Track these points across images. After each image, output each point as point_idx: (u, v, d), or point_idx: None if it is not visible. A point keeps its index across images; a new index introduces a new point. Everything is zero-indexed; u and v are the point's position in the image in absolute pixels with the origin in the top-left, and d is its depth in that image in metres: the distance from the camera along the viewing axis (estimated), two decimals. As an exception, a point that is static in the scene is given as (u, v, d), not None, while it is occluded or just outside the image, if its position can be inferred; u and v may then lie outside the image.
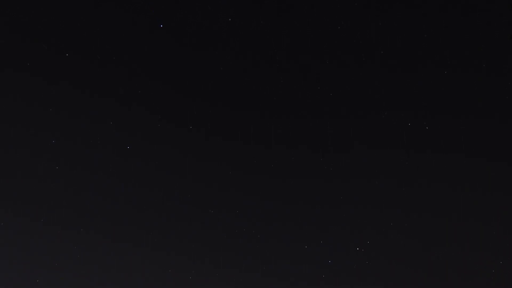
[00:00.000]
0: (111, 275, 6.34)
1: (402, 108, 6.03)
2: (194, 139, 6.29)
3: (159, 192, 6.34)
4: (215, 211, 6.30)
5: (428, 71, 5.94)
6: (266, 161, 6.27)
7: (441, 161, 6.02)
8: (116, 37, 6.15)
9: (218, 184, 6.32)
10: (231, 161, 6.30)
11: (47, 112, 6.23)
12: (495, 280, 5.93)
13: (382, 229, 6.13)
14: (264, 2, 6.08)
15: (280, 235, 6.28)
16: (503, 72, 5.80)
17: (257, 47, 6.13)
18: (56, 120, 6.25)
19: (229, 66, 6.20)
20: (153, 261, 6.35)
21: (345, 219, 6.19)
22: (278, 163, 6.26)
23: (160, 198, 6.34)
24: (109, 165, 6.29)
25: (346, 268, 6.19)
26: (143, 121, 6.27)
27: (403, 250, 6.10)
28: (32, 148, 6.25)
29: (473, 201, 5.97)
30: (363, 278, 6.15)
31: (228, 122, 6.25)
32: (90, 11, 6.10)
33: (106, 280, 6.34)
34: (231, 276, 6.30)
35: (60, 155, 6.28)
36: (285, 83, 6.18)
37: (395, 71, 6.02)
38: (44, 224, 6.31)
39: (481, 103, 5.88)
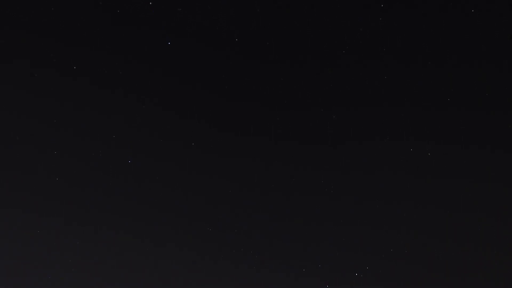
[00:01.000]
0: (111, 276, 6.35)
1: (402, 108, 6.04)
2: (194, 138, 6.30)
3: (159, 191, 6.34)
4: (214, 211, 6.32)
5: (427, 71, 5.95)
6: (266, 161, 6.28)
7: (441, 162, 6.03)
8: (116, 37, 6.16)
9: (218, 185, 6.33)
10: (231, 160, 6.30)
11: (47, 111, 6.25)
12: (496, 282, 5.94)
13: (384, 229, 6.15)
14: (264, 2, 6.09)
15: (280, 234, 6.30)
16: (503, 72, 5.81)
17: (256, 44, 6.14)
18: (56, 120, 6.27)
19: (229, 65, 6.21)
20: (153, 261, 6.36)
21: (345, 220, 6.21)
22: (278, 163, 6.27)
23: (159, 197, 6.34)
24: (109, 164, 6.30)
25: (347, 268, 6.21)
26: (143, 121, 6.27)
27: (403, 252, 6.11)
28: (31, 146, 6.27)
29: (474, 200, 5.99)
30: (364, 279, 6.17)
31: (228, 120, 6.26)
32: (89, 11, 6.11)
33: (106, 281, 6.34)
34: (230, 276, 6.31)
35: (60, 154, 6.29)
36: (284, 81, 6.19)
37: (394, 71, 6.02)
38: (43, 224, 6.33)
39: (481, 103, 5.89)
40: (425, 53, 5.92)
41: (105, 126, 6.23)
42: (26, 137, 6.22)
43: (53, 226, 6.31)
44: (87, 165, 6.27)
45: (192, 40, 6.18)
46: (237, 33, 6.11)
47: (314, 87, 6.14)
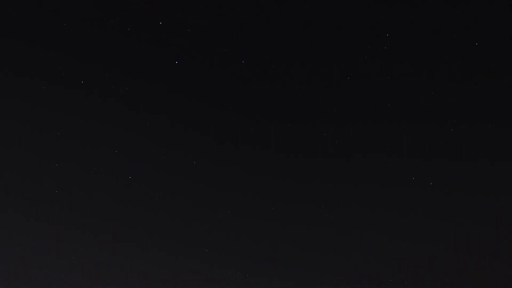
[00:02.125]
0: (110, 276, 6.36)
1: (402, 110, 6.04)
2: (197, 142, 6.31)
3: (159, 193, 6.35)
4: (214, 213, 6.32)
5: (427, 71, 5.94)
6: (267, 165, 6.29)
7: (442, 165, 6.03)
8: (125, 54, 6.19)
9: (219, 187, 6.34)
10: (232, 164, 6.31)
11: (48, 112, 6.27)
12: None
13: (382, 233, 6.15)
14: (264, 6, 6.09)
15: (280, 235, 6.30)
16: (503, 73, 5.80)
17: (262, 68, 6.17)
18: (56, 121, 6.28)
19: (235, 86, 6.23)
20: (153, 262, 6.36)
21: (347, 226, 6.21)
22: (279, 167, 6.27)
23: (159, 199, 6.35)
24: (109, 166, 6.31)
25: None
26: (143, 124, 6.28)
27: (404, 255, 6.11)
28: (32, 147, 6.29)
29: (475, 203, 5.98)
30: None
31: (231, 125, 6.27)
32: (100, 28, 6.13)
33: (104, 281, 6.36)
34: (229, 277, 6.31)
35: (60, 156, 6.31)
36: (287, 86, 6.19)
37: (394, 73, 6.02)
38: (43, 225, 6.35)
39: (481, 104, 5.88)
40: (424, 54, 5.92)
41: (107, 141, 6.27)
42: (29, 148, 6.28)
43: (54, 233, 6.36)
44: (88, 178, 6.32)
45: (200, 61, 6.19)
46: (244, 55, 6.15)
47: (319, 107, 6.15)
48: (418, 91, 5.95)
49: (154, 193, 6.32)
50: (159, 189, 6.33)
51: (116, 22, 6.12)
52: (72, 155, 6.29)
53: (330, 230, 6.19)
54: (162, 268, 6.34)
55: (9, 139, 6.25)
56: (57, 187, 6.31)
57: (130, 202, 6.33)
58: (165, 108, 6.25)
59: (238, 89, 6.23)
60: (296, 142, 6.20)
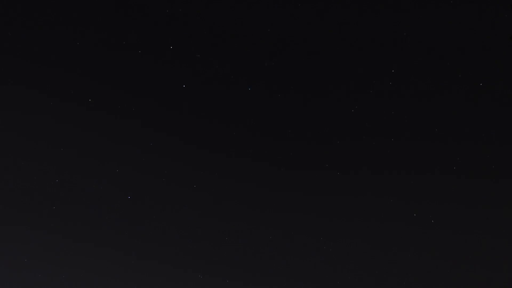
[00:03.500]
0: (109, 279, 6.37)
1: (402, 113, 6.02)
2: (199, 147, 6.32)
3: (159, 195, 6.37)
4: (214, 218, 6.34)
5: (427, 71, 5.94)
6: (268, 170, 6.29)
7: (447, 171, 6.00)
8: (135, 76, 6.24)
9: (218, 194, 6.35)
10: (233, 170, 6.33)
11: (50, 118, 6.32)
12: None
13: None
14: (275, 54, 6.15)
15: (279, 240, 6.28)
16: (503, 73, 5.77)
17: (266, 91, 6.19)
18: (56, 127, 6.33)
19: (240, 108, 6.27)
20: (152, 264, 6.36)
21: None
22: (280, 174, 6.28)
23: (159, 201, 6.36)
24: (108, 170, 6.34)
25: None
26: (143, 129, 6.32)
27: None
28: (32, 153, 6.34)
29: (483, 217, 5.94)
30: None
31: (234, 140, 6.30)
32: (112, 50, 6.20)
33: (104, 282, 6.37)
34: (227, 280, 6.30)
35: (61, 159, 6.35)
36: (292, 132, 6.23)
37: (394, 75, 6.01)
38: (43, 226, 6.39)
39: (481, 104, 5.85)
40: (425, 54, 5.91)
41: (110, 160, 6.33)
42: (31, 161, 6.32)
43: (53, 229, 6.39)
44: (87, 198, 6.36)
45: (207, 84, 6.24)
46: (250, 82, 6.20)
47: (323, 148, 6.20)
48: (419, 87, 5.96)
49: (153, 198, 6.36)
50: (157, 194, 6.36)
51: (127, 45, 6.21)
52: (73, 166, 6.35)
53: (328, 240, 6.19)
54: (159, 270, 6.35)
55: (11, 151, 6.32)
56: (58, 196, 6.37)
57: (129, 208, 6.36)
58: (171, 129, 6.31)
59: (244, 111, 6.28)
60: (298, 156, 6.23)
